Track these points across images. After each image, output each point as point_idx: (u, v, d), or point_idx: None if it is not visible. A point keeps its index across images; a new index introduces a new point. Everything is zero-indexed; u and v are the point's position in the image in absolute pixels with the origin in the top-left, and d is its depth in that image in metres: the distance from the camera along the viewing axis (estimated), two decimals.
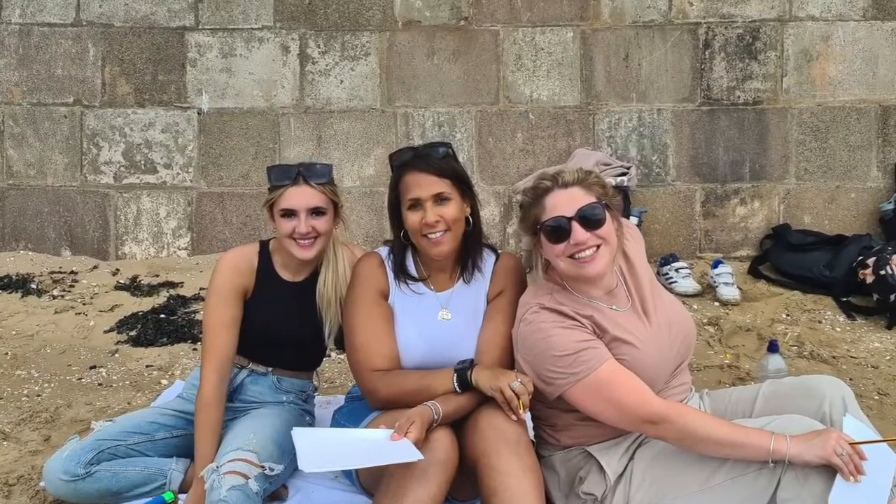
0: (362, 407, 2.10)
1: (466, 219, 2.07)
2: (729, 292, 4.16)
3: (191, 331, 3.84)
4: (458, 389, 1.89)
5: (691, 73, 4.78)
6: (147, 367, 3.49)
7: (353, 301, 2.10)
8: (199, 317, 3.93)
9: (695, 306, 4.07)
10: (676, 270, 4.35)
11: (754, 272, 4.51)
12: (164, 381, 3.32)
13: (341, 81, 4.83)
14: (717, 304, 4.14)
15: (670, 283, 4.27)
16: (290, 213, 2.20)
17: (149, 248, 4.88)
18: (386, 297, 2.10)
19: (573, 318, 1.82)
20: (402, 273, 2.12)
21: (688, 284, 4.28)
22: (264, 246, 2.38)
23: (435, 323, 2.08)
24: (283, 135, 4.84)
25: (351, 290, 2.13)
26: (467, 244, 2.10)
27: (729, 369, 3.37)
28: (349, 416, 2.15)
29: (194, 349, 3.63)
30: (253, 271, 2.31)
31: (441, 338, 2.06)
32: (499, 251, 2.24)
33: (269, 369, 2.37)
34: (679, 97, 4.80)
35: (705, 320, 3.89)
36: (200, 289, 4.28)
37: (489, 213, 4.80)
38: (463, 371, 1.90)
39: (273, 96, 4.83)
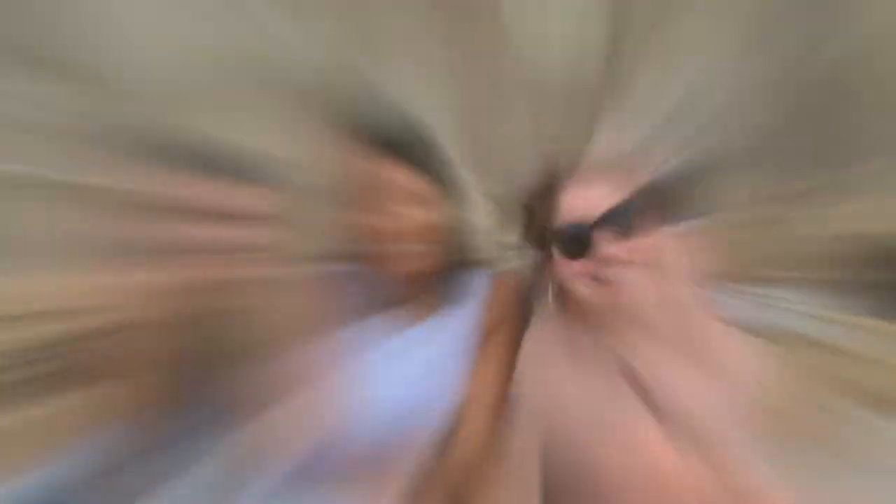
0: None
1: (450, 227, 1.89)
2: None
3: None
4: None
5: (759, 27, 4.62)
6: None
7: None
8: None
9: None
10: (738, 295, 4.26)
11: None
12: None
13: None
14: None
15: (730, 312, 4.15)
16: None
17: None
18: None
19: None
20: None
21: (752, 314, 4.18)
22: None
23: (410, 363, 1.89)
24: None
25: None
26: (451, 261, 1.91)
27: None
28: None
29: None
30: None
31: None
32: (494, 270, 2.06)
33: None
34: (741, 58, 4.62)
35: None
36: None
37: (482, 218, 4.61)
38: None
39: None
